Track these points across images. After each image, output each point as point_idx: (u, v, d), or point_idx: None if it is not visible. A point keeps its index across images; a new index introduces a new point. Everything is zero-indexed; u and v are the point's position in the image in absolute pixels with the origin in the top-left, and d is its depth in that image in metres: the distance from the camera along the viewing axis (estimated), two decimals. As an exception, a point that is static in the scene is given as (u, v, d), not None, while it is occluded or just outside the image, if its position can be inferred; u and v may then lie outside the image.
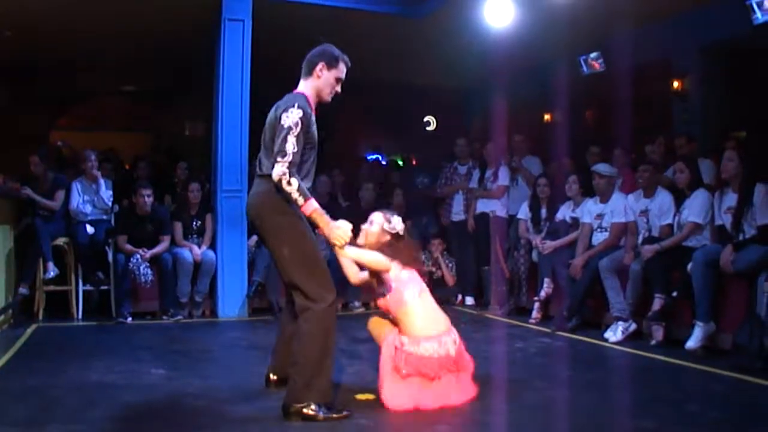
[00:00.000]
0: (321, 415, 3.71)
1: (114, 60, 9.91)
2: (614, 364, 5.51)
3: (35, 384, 4.51)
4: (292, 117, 3.75)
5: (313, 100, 3.99)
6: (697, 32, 7.96)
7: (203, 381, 4.61)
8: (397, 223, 4.21)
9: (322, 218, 3.77)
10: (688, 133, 7.37)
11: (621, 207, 6.57)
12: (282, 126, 3.74)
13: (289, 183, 3.68)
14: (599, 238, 6.71)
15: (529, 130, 9.10)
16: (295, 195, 3.70)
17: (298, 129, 3.74)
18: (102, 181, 7.73)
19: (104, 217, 7.73)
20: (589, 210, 6.85)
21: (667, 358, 5.25)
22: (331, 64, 4.01)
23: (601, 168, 6.80)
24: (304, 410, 3.70)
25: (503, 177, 8.10)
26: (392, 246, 4.14)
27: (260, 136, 4.04)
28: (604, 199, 6.74)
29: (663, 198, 6.26)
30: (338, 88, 4.08)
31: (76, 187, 7.62)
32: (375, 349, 4.21)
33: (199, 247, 7.53)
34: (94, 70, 10.43)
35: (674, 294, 5.64)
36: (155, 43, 8.94)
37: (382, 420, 3.79)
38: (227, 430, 3.69)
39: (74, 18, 7.94)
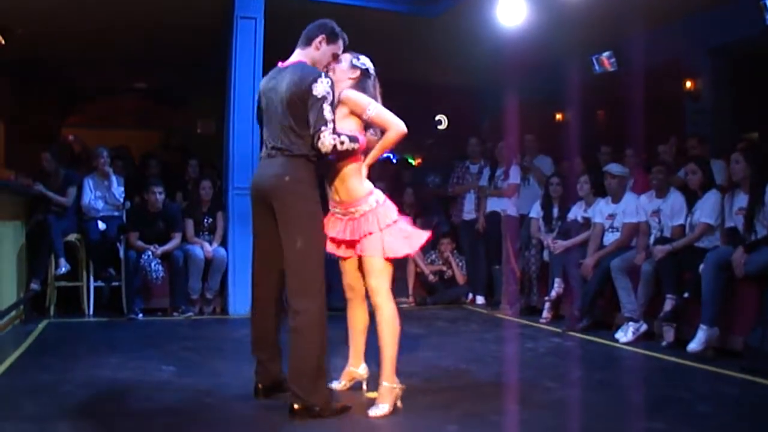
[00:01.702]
0: (326, 410, 3.71)
1: (125, 57, 9.93)
2: (625, 364, 5.50)
3: (46, 380, 4.52)
4: (324, 86, 3.71)
5: None
6: (708, 33, 7.95)
7: (214, 378, 4.61)
8: (366, 61, 4.12)
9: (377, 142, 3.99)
10: (700, 134, 7.34)
11: (633, 207, 6.54)
12: (315, 96, 3.69)
13: (342, 143, 3.70)
14: (611, 238, 6.69)
15: (541, 129, 9.08)
16: (351, 146, 3.76)
17: (331, 97, 3.73)
18: (114, 178, 7.77)
19: (116, 213, 7.77)
20: (600, 210, 6.83)
21: (678, 360, 5.23)
22: (331, 38, 3.98)
23: (613, 168, 6.78)
24: (313, 408, 3.69)
25: (515, 176, 8.09)
26: (363, 83, 4.07)
27: None
28: (616, 200, 6.72)
29: (675, 198, 6.23)
30: (334, 65, 4.04)
31: (88, 183, 7.66)
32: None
33: (211, 244, 7.55)
34: (105, 67, 10.46)
35: (686, 295, 5.61)
36: (167, 41, 8.96)
37: (392, 419, 3.78)
38: (238, 428, 3.71)
39: (86, 15, 7.97)
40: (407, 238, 3.98)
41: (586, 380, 4.78)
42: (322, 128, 3.67)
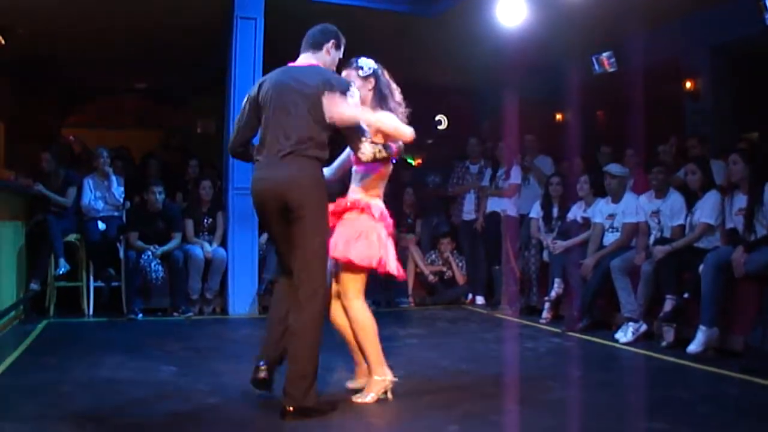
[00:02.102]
0: (318, 412, 3.70)
1: (125, 57, 9.93)
2: (625, 364, 5.50)
3: (45, 380, 4.52)
4: (357, 97, 3.81)
5: None
6: (708, 32, 7.95)
7: (214, 378, 4.61)
8: (366, 63, 4.14)
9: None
10: (700, 134, 7.33)
11: (633, 207, 6.54)
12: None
13: (380, 151, 3.82)
14: (610, 238, 6.69)
15: (541, 129, 9.08)
16: (387, 154, 3.85)
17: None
18: (114, 178, 7.78)
19: (116, 213, 7.77)
20: (600, 210, 6.83)
21: (677, 360, 5.22)
22: (338, 44, 4.04)
23: (613, 168, 6.78)
24: (306, 410, 3.67)
25: (515, 176, 8.09)
26: (380, 87, 4.10)
27: None
28: (616, 200, 6.71)
29: (675, 199, 6.23)
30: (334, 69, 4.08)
31: (88, 183, 7.66)
32: (384, 347, 4.19)
33: (210, 244, 7.55)
34: (105, 67, 10.45)
35: (685, 295, 5.61)
36: (167, 41, 8.96)
37: (392, 420, 3.78)
38: (238, 428, 3.70)
39: (86, 15, 7.96)
40: (368, 249, 3.99)
41: (586, 380, 4.77)
42: (362, 138, 3.75)
